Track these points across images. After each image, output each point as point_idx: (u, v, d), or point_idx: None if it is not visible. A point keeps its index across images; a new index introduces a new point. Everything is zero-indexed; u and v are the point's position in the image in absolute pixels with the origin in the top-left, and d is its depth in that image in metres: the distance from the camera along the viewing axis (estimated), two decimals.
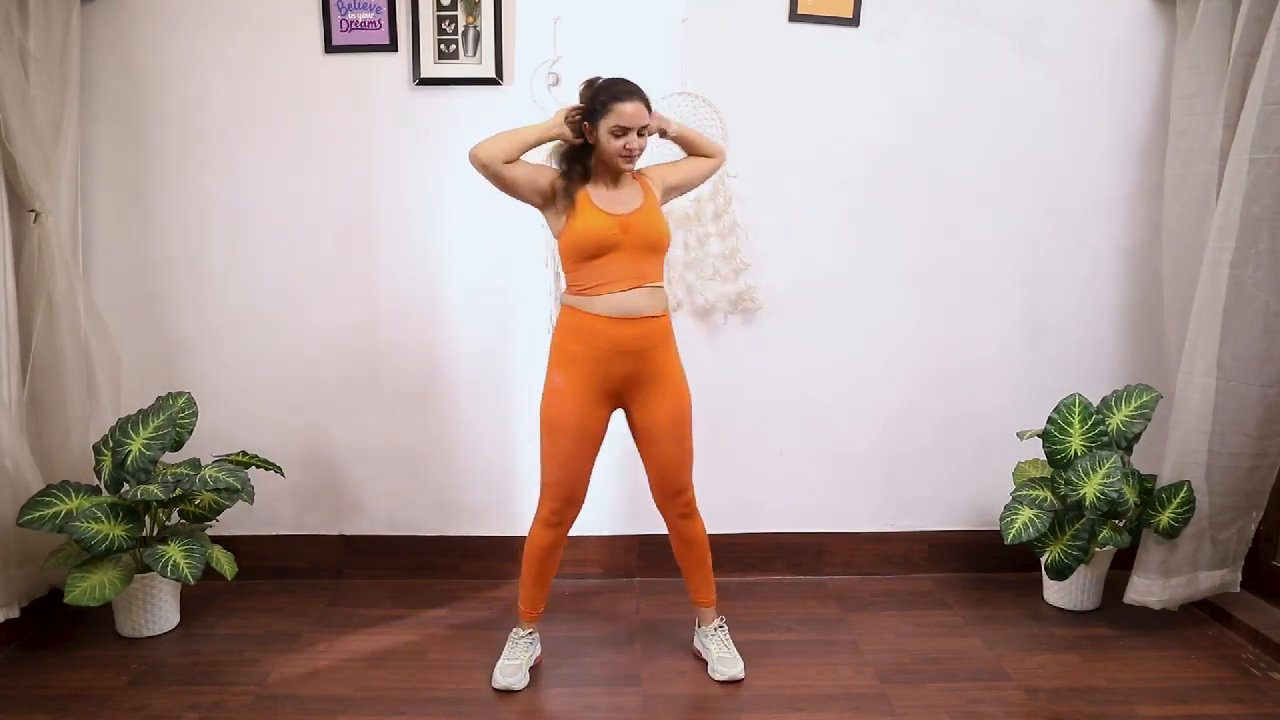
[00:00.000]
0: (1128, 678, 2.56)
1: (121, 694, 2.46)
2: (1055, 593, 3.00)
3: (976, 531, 3.23)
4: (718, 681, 2.53)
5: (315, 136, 3.02)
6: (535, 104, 2.97)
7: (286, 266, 3.07)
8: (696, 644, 2.66)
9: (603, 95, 2.34)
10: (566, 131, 2.38)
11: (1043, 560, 2.85)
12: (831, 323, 3.13)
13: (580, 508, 2.52)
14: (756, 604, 3.01)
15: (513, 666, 2.51)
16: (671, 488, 2.52)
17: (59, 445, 2.82)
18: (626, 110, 2.32)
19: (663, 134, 2.51)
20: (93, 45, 2.93)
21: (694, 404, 2.50)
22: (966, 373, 3.18)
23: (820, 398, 3.16)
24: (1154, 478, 2.88)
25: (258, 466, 2.92)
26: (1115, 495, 2.67)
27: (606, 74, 2.39)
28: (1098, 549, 2.85)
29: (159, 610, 2.78)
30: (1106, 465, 2.72)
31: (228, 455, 2.92)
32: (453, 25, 2.96)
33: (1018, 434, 3.04)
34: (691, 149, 2.60)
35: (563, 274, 2.48)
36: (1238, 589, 2.83)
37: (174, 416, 2.74)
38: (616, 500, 3.11)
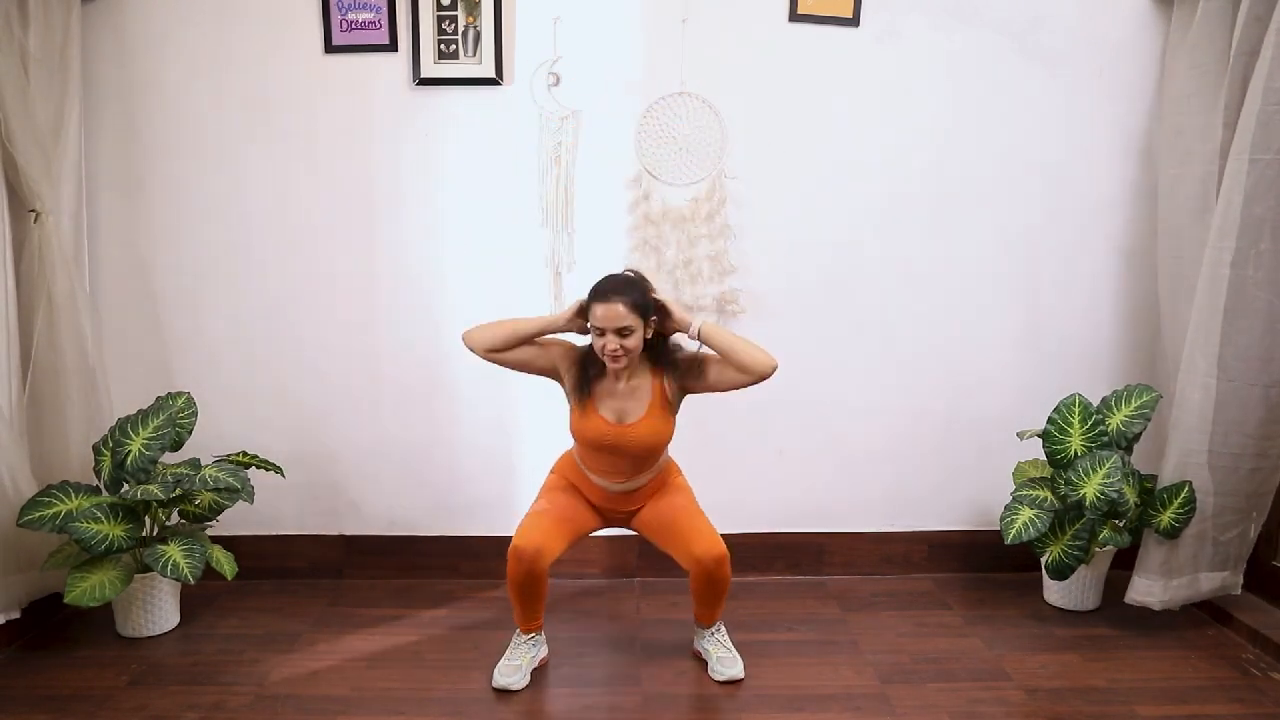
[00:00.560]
0: (1128, 678, 2.56)
1: (121, 694, 2.46)
2: (1055, 593, 3.00)
3: (977, 531, 3.23)
4: (718, 682, 2.53)
5: (315, 136, 3.02)
6: (535, 104, 2.98)
7: (287, 267, 3.07)
8: (696, 645, 2.66)
9: (590, 293, 2.33)
10: (579, 324, 2.38)
11: (1043, 560, 2.85)
12: (832, 322, 3.13)
13: (541, 569, 2.39)
14: (756, 604, 3.01)
15: (511, 667, 2.51)
16: (711, 558, 2.39)
17: (59, 445, 2.82)
18: (598, 312, 2.29)
19: (687, 333, 2.37)
20: (93, 45, 2.93)
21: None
22: (966, 373, 3.17)
23: (820, 398, 3.16)
24: (1154, 478, 2.88)
25: (258, 466, 2.93)
26: (1115, 495, 2.67)
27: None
28: (1098, 549, 2.85)
29: (159, 610, 2.78)
30: (1107, 465, 2.71)
31: (228, 455, 2.92)
32: (453, 25, 2.96)
33: (1018, 434, 3.04)
34: (726, 356, 2.33)
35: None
36: (1239, 591, 2.82)
37: (174, 416, 2.74)
38: None
